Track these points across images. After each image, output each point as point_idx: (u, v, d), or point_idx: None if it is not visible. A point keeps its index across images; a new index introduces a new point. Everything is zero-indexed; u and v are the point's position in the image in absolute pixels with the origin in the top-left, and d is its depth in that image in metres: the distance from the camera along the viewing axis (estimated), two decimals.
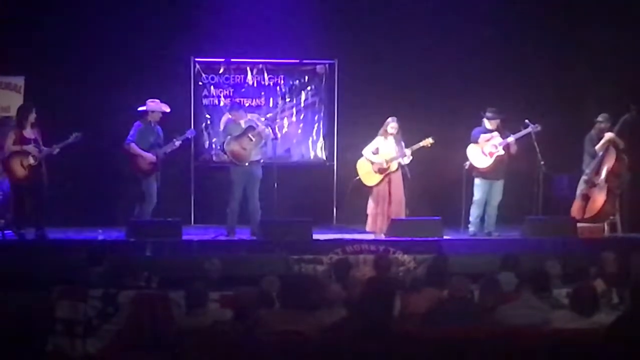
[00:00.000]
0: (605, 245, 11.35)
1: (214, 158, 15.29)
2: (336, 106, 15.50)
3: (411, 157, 13.00)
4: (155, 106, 13.07)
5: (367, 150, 13.14)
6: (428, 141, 13.00)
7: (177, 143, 13.11)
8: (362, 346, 6.01)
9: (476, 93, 14.37)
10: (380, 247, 12.02)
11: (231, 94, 15.50)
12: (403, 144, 13.06)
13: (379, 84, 14.97)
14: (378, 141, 13.13)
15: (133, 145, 12.88)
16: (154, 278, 9.67)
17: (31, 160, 12.25)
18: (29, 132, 12.32)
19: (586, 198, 13.24)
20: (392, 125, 13.03)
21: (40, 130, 12.44)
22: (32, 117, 12.32)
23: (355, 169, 13.26)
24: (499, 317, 7.55)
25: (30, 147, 12.26)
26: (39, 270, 10.67)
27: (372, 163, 13.07)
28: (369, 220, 13.15)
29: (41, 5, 14.39)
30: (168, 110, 13.19)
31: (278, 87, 15.62)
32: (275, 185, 13.17)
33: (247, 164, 12.95)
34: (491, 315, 7.60)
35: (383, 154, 13.05)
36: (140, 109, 13.08)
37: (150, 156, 12.91)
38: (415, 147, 13.02)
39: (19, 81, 14.18)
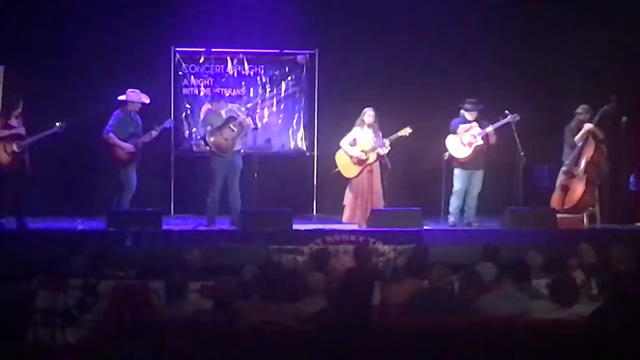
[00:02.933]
0: (585, 236, 11.40)
1: (194, 148, 15.25)
2: (316, 96, 15.50)
3: (389, 147, 13.01)
4: (135, 97, 13.05)
5: (345, 142, 13.14)
6: (406, 130, 13.02)
7: (155, 133, 13.10)
8: (341, 337, 6.02)
9: (456, 84, 14.39)
10: (360, 237, 12.00)
11: (211, 83, 15.46)
12: (381, 134, 13.07)
13: (360, 74, 14.99)
14: (355, 132, 13.13)
15: (112, 134, 12.88)
16: (133, 268, 9.66)
17: (15, 147, 12.24)
18: (13, 122, 12.34)
19: (565, 189, 13.30)
20: (368, 113, 13.04)
21: (25, 120, 12.44)
22: (18, 111, 12.37)
23: (335, 160, 13.27)
24: (479, 308, 7.57)
25: (14, 134, 12.26)
26: (18, 260, 10.66)
27: (351, 156, 13.08)
28: (346, 211, 13.14)
29: None
30: (148, 101, 13.17)
31: (258, 77, 15.59)
32: (256, 175, 13.13)
33: (228, 154, 12.95)
34: (471, 306, 7.62)
35: (361, 145, 13.05)
36: (119, 98, 13.06)
37: (128, 146, 12.90)
38: (393, 137, 13.03)
39: None
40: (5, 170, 12.32)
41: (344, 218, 13.15)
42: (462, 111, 13.24)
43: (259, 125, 14.33)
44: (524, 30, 15.27)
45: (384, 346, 6.13)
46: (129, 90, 13.06)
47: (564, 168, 13.37)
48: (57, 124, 12.49)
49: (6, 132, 12.26)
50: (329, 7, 15.06)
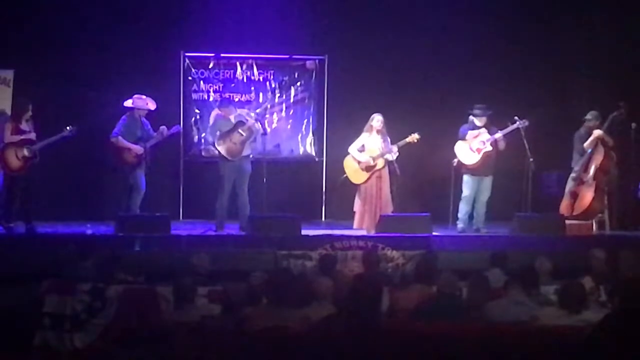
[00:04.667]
0: (594, 243, 11.40)
1: (203, 153, 15.25)
2: (326, 102, 15.49)
3: (397, 153, 13.00)
4: (141, 103, 13.06)
5: (353, 148, 13.14)
6: (414, 137, 13.01)
7: (165, 132, 13.08)
8: (349, 342, 6.01)
9: (465, 90, 14.38)
10: (369, 243, 11.99)
11: (221, 89, 15.49)
12: (389, 139, 13.06)
13: (369, 80, 14.99)
14: (364, 138, 13.13)
15: (120, 138, 12.89)
16: (142, 273, 9.67)
17: (26, 152, 12.29)
18: (24, 125, 12.40)
19: (575, 195, 13.28)
20: (377, 119, 13.04)
21: (34, 123, 12.49)
22: (28, 114, 12.42)
23: (343, 166, 13.27)
24: (487, 314, 7.57)
25: (25, 139, 12.30)
26: (27, 264, 10.66)
27: (359, 161, 13.08)
28: (357, 217, 13.16)
29: None
30: (154, 107, 13.18)
31: (268, 83, 15.59)
32: (265, 180, 13.14)
33: (237, 159, 12.96)
34: (479, 312, 7.62)
35: (369, 151, 13.06)
36: (125, 104, 13.08)
37: (137, 148, 12.91)
38: (401, 143, 13.02)
39: (9, 75, 14.15)
40: (15, 175, 12.37)
41: (355, 224, 13.14)
42: (471, 117, 13.23)
43: (268, 130, 14.31)
44: (533, 36, 15.26)
45: (392, 352, 6.12)
46: (135, 96, 13.07)
47: (573, 174, 13.36)
48: (67, 127, 12.54)
49: (17, 137, 12.31)
50: (339, 13, 15.08)
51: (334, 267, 9.95)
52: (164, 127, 13.10)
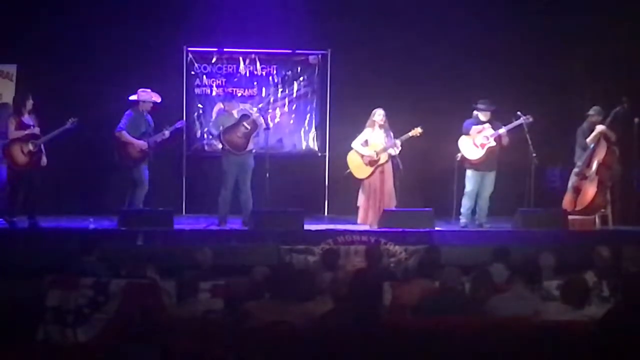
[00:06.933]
0: (597, 238, 11.41)
1: (206, 148, 15.27)
2: (329, 97, 15.48)
3: (400, 148, 12.98)
4: (147, 96, 13.08)
5: (357, 143, 13.12)
6: (417, 131, 12.99)
7: (167, 133, 13.12)
8: (351, 337, 6.01)
9: (468, 85, 14.37)
10: (371, 237, 12.00)
11: (223, 83, 15.49)
12: (392, 134, 13.05)
13: (372, 75, 14.97)
14: (367, 133, 13.11)
15: (124, 132, 12.91)
16: (145, 267, 9.66)
17: (30, 147, 12.31)
18: (27, 119, 12.41)
19: (577, 190, 13.27)
20: (378, 113, 13.02)
21: (38, 118, 12.49)
22: (29, 104, 12.44)
23: (346, 160, 13.26)
24: (490, 309, 7.56)
25: (29, 134, 12.31)
26: (30, 258, 10.67)
27: (362, 156, 13.06)
28: (360, 213, 13.12)
29: None
30: (159, 100, 13.20)
31: (271, 77, 15.59)
32: (267, 175, 13.15)
33: (240, 153, 12.95)
34: (482, 307, 7.61)
35: (372, 145, 13.04)
36: (131, 98, 13.10)
37: (141, 143, 12.93)
38: (404, 137, 13.00)
39: (12, 69, 14.19)
40: (21, 170, 12.38)
41: (359, 220, 13.12)
42: (475, 112, 13.22)
43: (271, 125, 14.33)
44: (537, 31, 15.22)
45: (394, 347, 6.12)
46: (140, 89, 13.09)
47: (575, 170, 13.35)
48: (70, 120, 12.56)
49: (22, 133, 12.32)
50: (342, 7, 15.05)
51: (337, 262, 9.98)
52: (166, 131, 13.11)
